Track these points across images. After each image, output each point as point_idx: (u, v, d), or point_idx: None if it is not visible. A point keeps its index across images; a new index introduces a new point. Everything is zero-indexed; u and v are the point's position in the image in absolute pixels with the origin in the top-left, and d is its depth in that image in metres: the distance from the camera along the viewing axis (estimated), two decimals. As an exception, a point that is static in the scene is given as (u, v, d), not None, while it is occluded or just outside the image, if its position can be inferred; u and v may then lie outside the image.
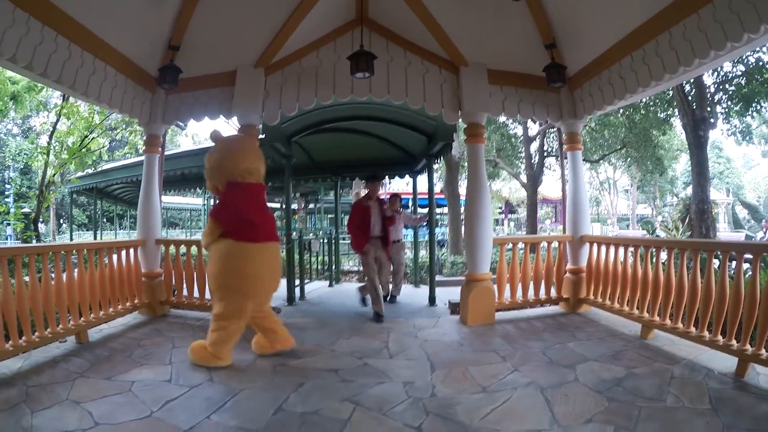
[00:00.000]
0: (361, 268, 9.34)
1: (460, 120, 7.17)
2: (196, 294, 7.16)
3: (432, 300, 8.46)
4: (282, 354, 5.32)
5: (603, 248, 6.76)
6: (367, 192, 7.78)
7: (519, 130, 22.35)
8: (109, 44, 6.06)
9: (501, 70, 6.99)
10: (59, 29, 5.23)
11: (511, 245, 7.14)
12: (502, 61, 6.96)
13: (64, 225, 28.12)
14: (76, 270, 5.77)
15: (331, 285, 11.32)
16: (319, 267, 12.46)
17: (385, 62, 6.75)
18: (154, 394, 4.17)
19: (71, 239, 17.73)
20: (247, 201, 5.12)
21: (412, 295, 9.39)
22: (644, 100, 16.18)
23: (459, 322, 6.73)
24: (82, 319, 5.77)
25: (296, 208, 32.98)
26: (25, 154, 15.74)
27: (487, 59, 6.90)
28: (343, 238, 14.21)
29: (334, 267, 11.88)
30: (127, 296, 6.77)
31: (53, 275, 5.47)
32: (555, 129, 20.14)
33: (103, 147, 15.36)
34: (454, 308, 7.44)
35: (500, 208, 38.28)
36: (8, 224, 15.61)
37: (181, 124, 8.70)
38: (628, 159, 23.63)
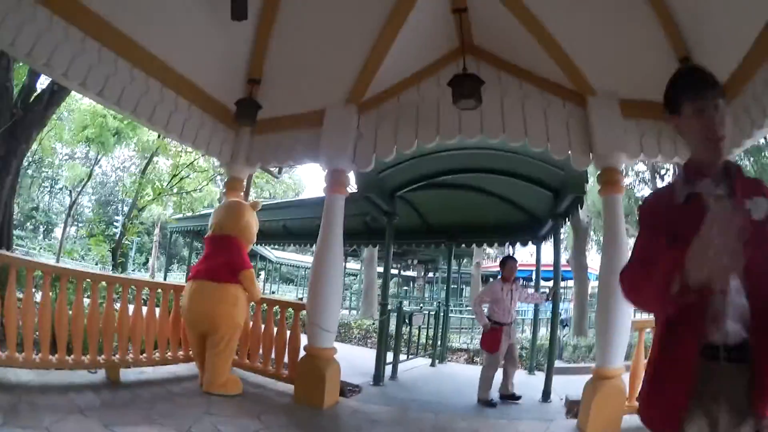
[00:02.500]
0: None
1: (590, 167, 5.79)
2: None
3: (546, 394, 6.79)
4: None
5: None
6: None
7: (645, 191, 20.62)
8: (188, 78, 5.84)
9: (634, 99, 5.38)
10: (138, 63, 5.21)
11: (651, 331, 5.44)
12: (634, 87, 5.36)
13: (175, 264, 29.44)
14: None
15: (433, 364, 9.86)
16: (426, 341, 11.07)
17: (498, 95, 5.55)
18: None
19: (165, 278, 18.58)
20: None
21: (525, 384, 7.74)
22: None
23: (576, 430, 5.09)
24: (116, 356, 5.47)
25: (415, 275, 32.06)
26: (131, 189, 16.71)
27: (618, 86, 5.39)
28: (453, 311, 12.75)
29: (439, 344, 10.43)
30: (182, 344, 6.30)
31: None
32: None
33: (201, 189, 16.17)
34: (571, 407, 5.76)
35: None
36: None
37: (272, 170, 8.14)
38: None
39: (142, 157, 19.10)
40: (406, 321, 9.10)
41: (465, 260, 24.73)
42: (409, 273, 31.67)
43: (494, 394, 6.55)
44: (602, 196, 5.58)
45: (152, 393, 5.16)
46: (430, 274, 29.28)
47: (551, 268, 8.35)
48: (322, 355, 5.67)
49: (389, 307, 8.25)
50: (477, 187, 8.65)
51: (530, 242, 10.06)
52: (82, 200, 29.95)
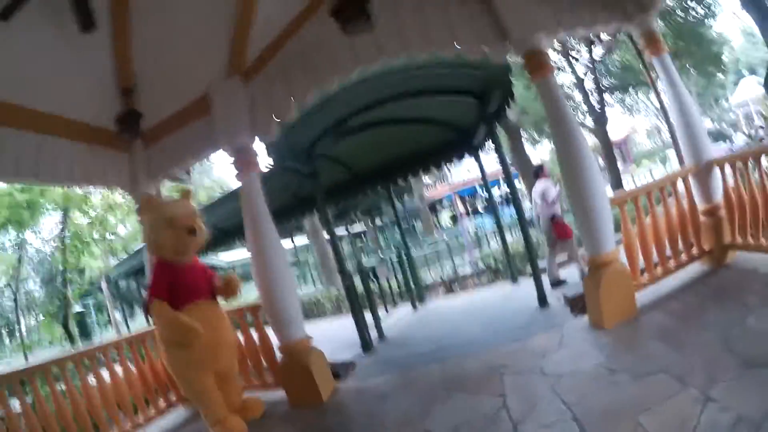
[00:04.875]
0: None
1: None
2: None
3: (542, 300, 6.45)
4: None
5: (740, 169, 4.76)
6: None
7: (565, 78, 20.85)
8: (61, 116, 5.25)
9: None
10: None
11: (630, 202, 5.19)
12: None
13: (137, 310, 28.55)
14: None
15: (415, 308, 9.46)
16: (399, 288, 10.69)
17: (390, 8, 4.86)
18: None
19: (128, 328, 17.96)
20: None
21: (511, 295, 7.45)
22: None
23: (591, 328, 4.71)
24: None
25: (365, 229, 31.63)
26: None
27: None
28: (413, 248, 12.40)
29: (413, 286, 10.02)
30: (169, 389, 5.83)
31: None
32: (602, 59, 19.05)
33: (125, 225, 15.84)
34: (575, 304, 5.46)
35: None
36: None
37: (180, 177, 7.49)
38: (685, 68, 21.36)
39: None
40: (372, 277, 8.67)
41: (406, 196, 24.44)
42: (358, 228, 31.26)
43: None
44: (534, 82, 5.10)
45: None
46: (378, 222, 28.86)
47: (496, 177, 7.97)
48: (298, 348, 5.15)
49: (348, 269, 7.74)
50: (394, 118, 8.05)
51: (466, 155, 9.55)
52: (28, 286, 28.00)
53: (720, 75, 24.26)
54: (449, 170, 25.18)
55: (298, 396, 5.12)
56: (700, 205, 5.17)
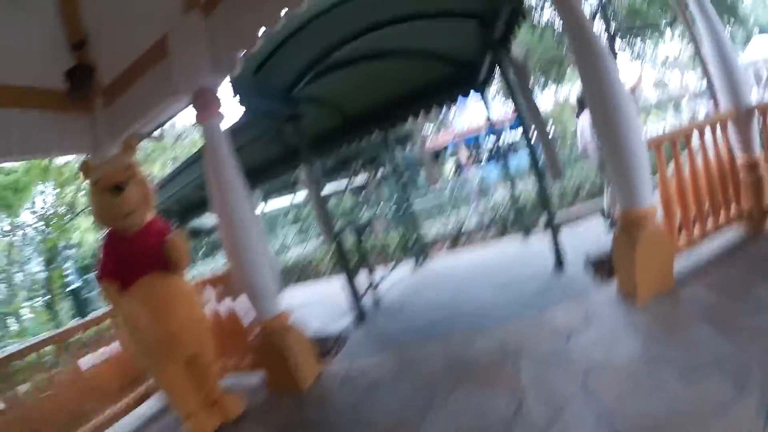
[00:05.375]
0: None
1: None
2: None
3: (559, 260, 5.58)
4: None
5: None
6: None
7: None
8: (7, 85, 4.81)
9: None
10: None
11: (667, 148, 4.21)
12: None
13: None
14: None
15: (416, 266, 8.69)
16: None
17: None
18: None
19: None
20: None
21: (523, 254, 6.63)
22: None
23: (622, 300, 3.89)
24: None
25: (366, 181, 30.69)
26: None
27: None
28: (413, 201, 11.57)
29: (414, 240, 9.21)
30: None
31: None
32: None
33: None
34: (599, 268, 4.68)
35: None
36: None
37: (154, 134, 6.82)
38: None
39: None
40: (368, 231, 7.90)
41: (407, 145, 23.60)
42: (360, 181, 30.28)
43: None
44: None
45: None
46: (380, 174, 28.02)
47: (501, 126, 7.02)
48: (274, 327, 4.41)
49: (337, 228, 7.07)
50: (385, 51, 6.97)
51: (471, 92, 8.44)
52: (29, 268, 27.24)
53: (733, 28, 22.88)
54: (452, 117, 24.30)
55: (276, 381, 4.45)
56: (742, 157, 4.34)
